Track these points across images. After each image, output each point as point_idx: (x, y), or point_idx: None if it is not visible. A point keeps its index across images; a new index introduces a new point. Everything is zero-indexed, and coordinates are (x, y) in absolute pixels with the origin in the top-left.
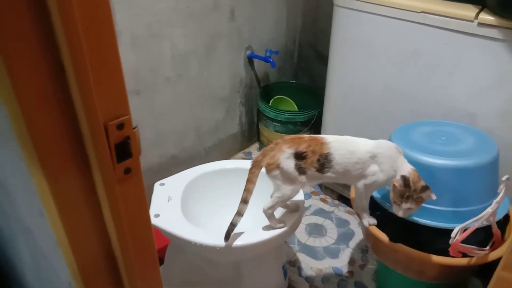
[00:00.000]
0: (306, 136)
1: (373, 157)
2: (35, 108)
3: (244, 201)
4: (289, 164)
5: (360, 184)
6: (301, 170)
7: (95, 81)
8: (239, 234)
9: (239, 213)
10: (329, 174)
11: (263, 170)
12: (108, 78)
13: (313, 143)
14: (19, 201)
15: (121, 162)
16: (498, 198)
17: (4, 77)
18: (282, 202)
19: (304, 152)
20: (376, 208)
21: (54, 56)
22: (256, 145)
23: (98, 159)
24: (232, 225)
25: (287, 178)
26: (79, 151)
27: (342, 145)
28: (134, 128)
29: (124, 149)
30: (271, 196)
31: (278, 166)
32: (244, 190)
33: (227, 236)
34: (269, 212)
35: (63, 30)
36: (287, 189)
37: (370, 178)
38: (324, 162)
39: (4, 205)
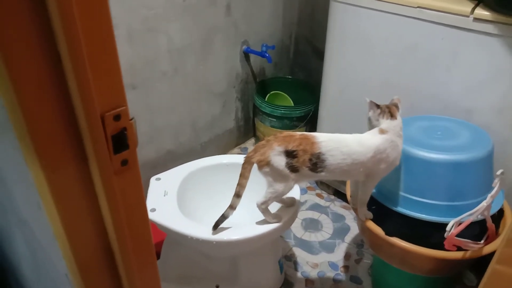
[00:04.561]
0: (297, 134)
1: (377, 155)
2: (32, 99)
3: (237, 195)
4: (279, 161)
5: (371, 182)
6: (293, 168)
7: (92, 71)
8: (235, 228)
9: (232, 207)
10: (323, 173)
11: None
12: (105, 68)
13: (304, 142)
14: (17, 194)
15: (118, 154)
16: (492, 192)
17: (1, 67)
18: (276, 198)
19: (295, 151)
20: (372, 203)
21: (50, 45)
22: (252, 140)
23: (95, 150)
24: (223, 217)
25: (278, 175)
26: (76, 142)
27: (334, 145)
28: (130, 120)
29: (121, 141)
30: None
31: (268, 163)
32: (237, 184)
33: (215, 227)
34: (262, 207)
35: (60, 19)
36: (279, 185)
37: (384, 172)
38: (316, 162)
39: (1, 197)
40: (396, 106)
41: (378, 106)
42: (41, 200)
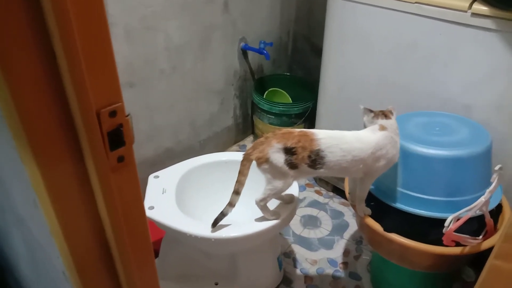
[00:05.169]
0: (296, 131)
1: (377, 151)
2: (26, 96)
3: (236, 192)
4: (278, 158)
5: (369, 179)
6: (292, 165)
7: (87, 67)
8: (234, 225)
9: (231, 204)
10: (322, 170)
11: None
12: (100, 64)
13: (303, 139)
14: (14, 192)
15: (114, 150)
16: (491, 188)
17: None
18: (275, 194)
19: (294, 148)
20: (370, 199)
21: (45, 42)
22: (251, 137)
23: (91, 147)
24: (222, 214)
25: (277, 172)
26: (71, 139)
27: (333, 142)
28: (126, 116)
29: (117, 137)
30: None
31: (267, 160)
32: (236, 181)
33: (214, 224)
34: (261, 204)
35: (54, 16)
36: (278, 182)
37: (383, 169)
38: (315, 159)
39: None
40: (391, 112)
41: (371, 111)
42: (38, 198)
